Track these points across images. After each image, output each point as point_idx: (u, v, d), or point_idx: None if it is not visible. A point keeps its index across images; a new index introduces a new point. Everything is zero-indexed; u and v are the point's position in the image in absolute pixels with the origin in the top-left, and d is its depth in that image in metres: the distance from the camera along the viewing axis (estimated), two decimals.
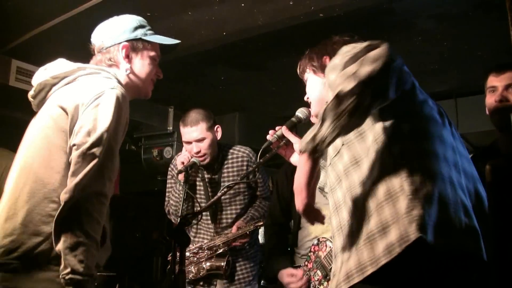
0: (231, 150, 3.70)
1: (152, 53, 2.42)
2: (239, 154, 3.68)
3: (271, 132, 2.29)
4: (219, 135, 3.62)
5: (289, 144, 2.30)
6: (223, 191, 2.06)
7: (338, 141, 1.85)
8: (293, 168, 2.32)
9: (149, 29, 2.44)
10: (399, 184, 1.63)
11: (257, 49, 4.05)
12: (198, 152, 3.44)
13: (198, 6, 3.45)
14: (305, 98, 2.37)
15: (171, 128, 5.53)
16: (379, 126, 1.77)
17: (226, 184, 3.63)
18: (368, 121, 1.78)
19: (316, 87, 2.23)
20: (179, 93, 5.18)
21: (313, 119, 2.31)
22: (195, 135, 3.44)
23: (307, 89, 2.30)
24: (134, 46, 2.37)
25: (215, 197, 2.03)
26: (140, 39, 2.38)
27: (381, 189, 1.65)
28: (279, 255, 3.11)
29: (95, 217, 1.90)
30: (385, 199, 1.63)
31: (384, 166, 1.69)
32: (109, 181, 2.03)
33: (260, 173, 3.56)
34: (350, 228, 1.76)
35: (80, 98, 2.06)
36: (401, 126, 1.77)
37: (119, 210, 5.92)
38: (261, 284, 4.39)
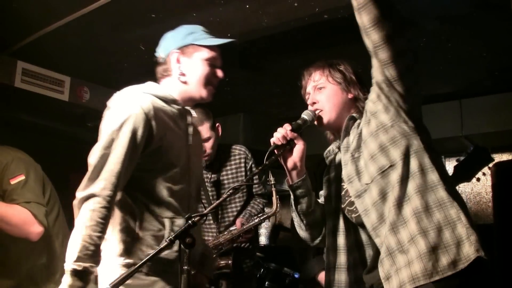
0: (228, 149, 3.72)
1: (205, 55, 2.49)
2: (235, 152, 3.70)
3: (276, 134, 2.33)
4: (219, 133, 3.64)
5: (293, 148, 2.36)
6: (229, 192, 2.05)
7: (385, 161, 2.13)
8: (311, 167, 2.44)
9: (202, 34, 2.53)
10: (456, 215, 2.04)
11: (262, 51, 4.05)
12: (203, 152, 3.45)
13: (203, 7, 3.45)
14: (311, 103, 2.42)
15: None
16: (422, 152, 2.14)
17: (226, 182, 3.65)
18: (411, 146, 2.14)
19: (335, 95, 2.43)
20: None
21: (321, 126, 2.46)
22: (203, 135, 3.45)
23: (321, 97, 2.43)
24: (184, 52, 2.48)
25: (221, 198, 2.03)
26: (190, 44, 2.48)
27: (439, 215, 2.05)
28: (313, 256, 3.11)
29: None
30: (444, 225, 2.03)
31: (436, 192, 2.08)
32: (106, 182, 2.22)
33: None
34: (404, 240, 2.08)
35: None
36: (438, 157, 2.19)
37: None
38: (265, 285, 4.39)
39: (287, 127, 2.33)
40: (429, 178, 2.09)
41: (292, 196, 2.42)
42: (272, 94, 5.14)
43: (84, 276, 2.09)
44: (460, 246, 2.00)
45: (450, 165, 5.22)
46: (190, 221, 1.86)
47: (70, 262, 2.08)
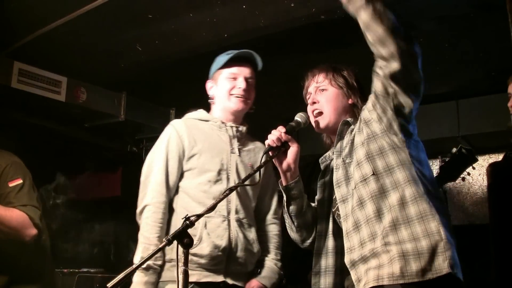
0: None
1: (224, 74, 2.89)
2: None
3: (270, 136, 2.36)
4: None
5: (287, 150, 2.40)
6: (226, 193, 2.07)
7: (368, 170, 2.17)
8: (309, 171, 2.47)
9: (224, 56, 2.90)
10: (436, 228, 2.04)
11: (259, 51, 4.05)
12: None
13: (200, 8, 3.45)
14: (311, 103, 2.44)
15: None
16: (409, 164, 2.16)
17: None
18: (397, 158, 2.15)
19: (336, 99, 2.48)
20: (181, 95, 5.17)
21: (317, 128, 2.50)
22: None
23: (322, 98, 2.48)
24: (214, 78, 2.95)
25: (218, 199, 2.04)
26: (216, 71, 2.93)
27: (419, 227, 2.06)
28: (303, 256, 3.13)
29: None
30: (423, 235, 2.04)
31: (419, 204, 2.08)
32: (154, 192, 2.72)
33: None
34: (378, 245, 2.10)
35: None
36: (423, 171, 2.20)
37: (121, 211, 5.93)
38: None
39: (281, 129, 2.37)
40: (414, 190, 2.11)
41: (284, 197, 2.45)
42: (269, 94, 5.14)
43: (148, 271, 2.57)
44: (434, 258, 2.01)
45: None
46: (187, 222, 1.86)
47: (137, 261, 2.48)
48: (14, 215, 2.98)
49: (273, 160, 2.37)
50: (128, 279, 1.83)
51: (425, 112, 4.97)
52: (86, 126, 5.20)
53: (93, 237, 5.62)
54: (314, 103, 2.49)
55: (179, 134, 2.77)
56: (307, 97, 2.55)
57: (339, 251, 2.33)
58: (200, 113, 2.96)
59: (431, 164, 5.72)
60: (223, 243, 2.65)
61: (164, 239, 1.85)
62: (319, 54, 3.90)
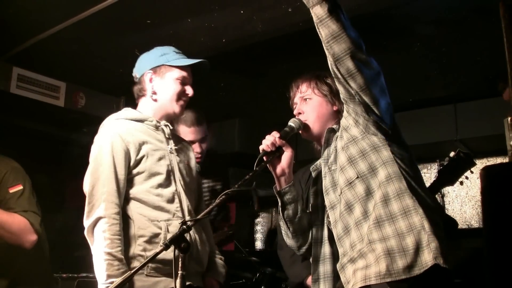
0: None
1: (175, 75, 2.71)
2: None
3: (265, 141, 2.38)
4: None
5: (281, 154, 2.41)
6: (221, 198, 2.07)
7: (352, 173, 2.19)
8: (306, 175, 2.48)
9: (174, 54, 2.73)
10: (419, 222, 2.06)
11: (257, 56, 4.07)
12: (200, 153, 3.47)
13: (198, 13, 3.47)
14: (296, 113, 2.47)
15: None
16: (391, 162, 2.17)
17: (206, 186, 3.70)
18: (379, 158, 2.17)
19: (320, 107, 2.49)
20: None
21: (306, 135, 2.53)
22: (201, 135, 3.49)
23: (307, 108, 2.50)
24: (157, 72, 2.71)
25: (214, 204, 2.05)
26: (162, 65, 2.70)
27: (402, 223, 2.08)
28: (301, 261, 3.13)
29: None
30: (407, 231, 2.07)
31: (402, 200, 2.10)
32: (106, 202, 2.45)
33: None
34: (364, 244, 2.13)
35: None
36: (406, 167, 2.19)
37: None
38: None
39: (275, 134, 2.39)
40: (396, 186, 2.13)
41: (279, 202, 2.46)
42: (267, 99, 5.15)
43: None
44: (419, 252, 2.03)
45: None
46: (184, 226, 1.88)
47: (102, 282, 2.34)
48: (16, 221, 2.99)
49: (267, 165, 2.37)
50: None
51: (423, 115, 4.99)
52: (84, 131, 5.20)
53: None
54: (299, 113, 2.51)
55: (122, 138, 2.57)
56: (294, 107, 2.58)
57: (336, 257, 2.35)
58: (132, 112, 2.76)
59: (429, 167, 5.73)
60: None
61: (161, 244, 1.85)
62: (316, 58, 3.91)
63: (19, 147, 3.62)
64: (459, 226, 5.44)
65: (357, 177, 2.18)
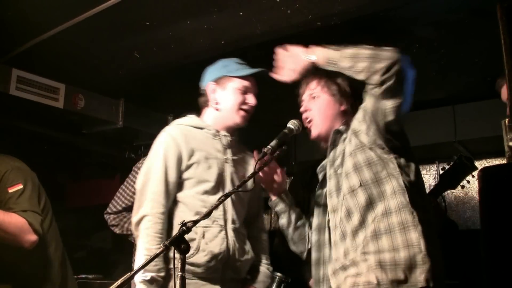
0: None
1: (236, 85, 2.81)
2: None
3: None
4: None
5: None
6: (221, 199, 2.09)
7: (356, 181, 2.19)
8: (306, 177, 2.51)
9: (236, 65, 2.84)
10: (416, 239, 2.05)
11: (256, 58, 4.06)
12: None
13: (197, 15, 3.47)
14: (303, 110, 2.47)
15: None
16: (397, 175, 2.17)
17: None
18: (385, 170, 2.17)
19: (327, 106, 2.50)
20: (178, 101, 5.18)
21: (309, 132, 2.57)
22: None
23: (314, 106, 2.53)
24: (219, 83, 2.83)
25: (214, 205, 2.06)
26: (224, 76, 2.82)
27: (399, 237, 2.07)
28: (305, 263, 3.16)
29: None
30: (403, 246, 2.06)
31: (403, 214, 2.10)
32: (153, 202, 2.61)
33: None
34: (358, 254, 2.14)
35: None
36: (412, 180, 2.20)
37: None
38: None
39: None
40: (399, 200, 2.13)
41: (273, 212, 2.52)
42: (266, 100, 5.15)
43: (152, 284, 2.49)
44: (411, 270, 2.03)
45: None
46: (183, 227, 1.88)
47: (139, 275, 2.44)
48: (13, 221, 2.95)
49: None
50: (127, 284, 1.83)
51: (421, 117, 4.99)
52: (83, 132, 5.20)
53: (91, 244, 5.62)
54: (306, 110, 2.51)
55: (176, 143, 2.71)
56: (301, 104, 2.58)
57: (324, 262, 2.36)
58: (193, 119, 2.89)
59: (428, 169, 5.73)
60: (221, 252, 2.64)
61: (161, 245, 1.86)
62: None
63: (18, 149, 3.62)
64: (458, 228, 5.45)
65: (360, 186, 2.18)
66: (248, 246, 2.81)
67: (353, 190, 2.19)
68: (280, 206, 2.51)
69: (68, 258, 3.43)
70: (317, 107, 2.49)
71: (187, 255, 2.17)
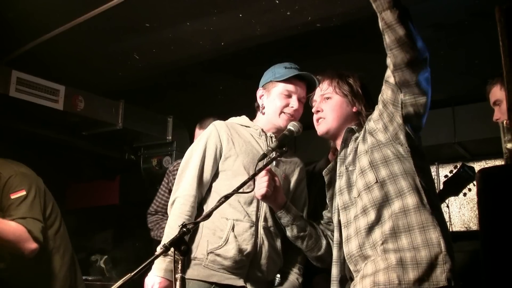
0: None
1: (280, 89, 2.81)
2: None
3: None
4: None
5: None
6: (221, 201, 2.09)
7: (372, 178, 2.18)
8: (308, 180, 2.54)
9: (282, 70, 2.85)
10: (436, 239, 2.06)
11: (256, 59, 4.07)
12: None
13: (197, 16, 3.47)
14: (315, 111, 2.47)
15: (170, 137, 5.54)
16: (413, 174, 2.17)
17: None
18: (401, 168, 2.17)
19: (340, 107, 2.48)
20: (178, 102, 5.20)
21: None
22: None
23: (326, 107, 2.50)
24: (266, 88, 2.87)
25: (213, 207, 2.06)
26: (270, 81, 2.85)
27: (419, 237, 2.07)
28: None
29: None
30: (423, 245, 2.06)
31: (422, 214, 2.10)
32: (187, 185, 2.71)
33: None
34: (376, 250, 2.14)
35: None
36: (427, 182, 2.20)
37: (119, 219, 5.93)
38: None
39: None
40: (417, 199, 2.12)
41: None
42: None
43: (166, 258, 2.51)
44: (433, 269, 2.02)
45: (443, 172, 5.26)
46: (184, 229, 1.88)
47: (161, 244, 2.37)
48: (12, 228, 2.90)
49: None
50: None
51: None
52: (84, 134, 5.21)
53: (91, 245, 5.62)
54: (318, 111, 2.51)
55: (219, 134, 2.79)
56: (313, 104, 2.58)
57: (342, 261, 2.36)
58: (242, 119, 2.99)
59: None
60: (248, 248, 2.62)
61: (160, 246, 1.85)
62: (315, 61, 3.92)
63: (18, 150, 3.63)
64: (458, 229, 5.45)
65: (376, 182, 2.17)
66: (279, 248, 2.77)
67: (369, 186, 2.18)
68: (286, 219, 2.53)
69: (77, 260, 3.40)
70: (330, 108, 2.48)
71: (215, 246, 2.56)
